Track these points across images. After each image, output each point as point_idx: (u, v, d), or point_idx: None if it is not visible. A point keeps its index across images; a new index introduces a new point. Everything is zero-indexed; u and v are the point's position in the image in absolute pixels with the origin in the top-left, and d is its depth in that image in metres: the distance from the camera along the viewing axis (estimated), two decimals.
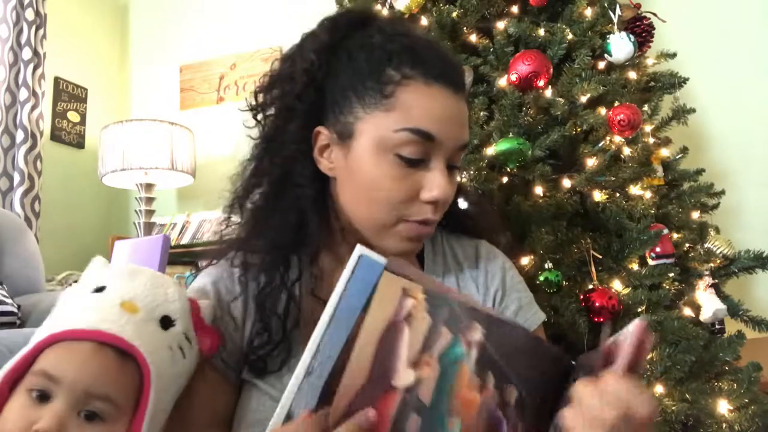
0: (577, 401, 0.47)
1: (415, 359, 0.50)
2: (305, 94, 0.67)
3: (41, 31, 2.75)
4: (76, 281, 1.80)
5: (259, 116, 0.74)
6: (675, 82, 1.74)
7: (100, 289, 0.59)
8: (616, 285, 1.37)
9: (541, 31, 1.56)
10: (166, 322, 0.59)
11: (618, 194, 1.47)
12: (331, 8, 1.99)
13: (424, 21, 1.60)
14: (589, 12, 1.61)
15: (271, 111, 0.72)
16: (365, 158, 0.64)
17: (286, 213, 0.68)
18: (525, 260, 1.35)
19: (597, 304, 1.29)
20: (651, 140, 1.66)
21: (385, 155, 0.63)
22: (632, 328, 0.48)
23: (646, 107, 1.68)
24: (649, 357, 1.31)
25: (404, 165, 0.63)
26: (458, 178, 0.72)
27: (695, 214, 1.68)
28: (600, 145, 1.48)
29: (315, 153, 0.69)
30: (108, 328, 0.54)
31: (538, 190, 1.41)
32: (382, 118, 0.63)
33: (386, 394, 0.49)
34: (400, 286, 0.52)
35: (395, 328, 0.51)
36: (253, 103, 0.73)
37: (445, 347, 0.51)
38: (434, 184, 0.64)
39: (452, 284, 0.75)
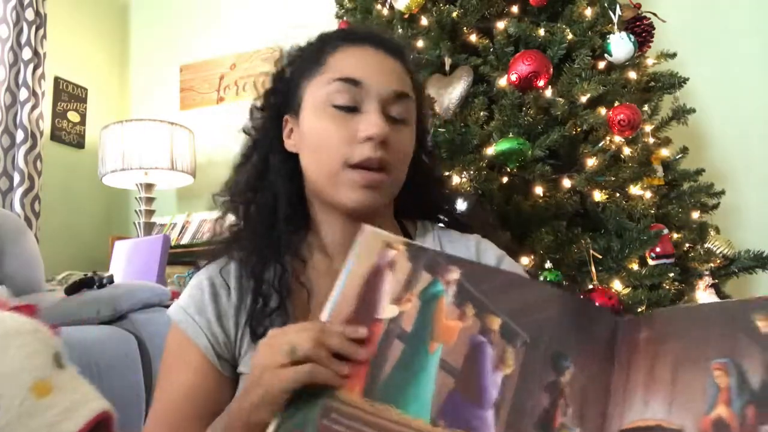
0: None
1: (398, 297, 0.57)
2: (277, 87, 0.79)
3: (41, 31, 2.75)
4: (76, 281, 1.79)
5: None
6: (675, 82, 1.74)
7: None
8: (616, 285, 1.37)
9: (541, 31, 1.56)
10: None
11: (618, 194, 1.47)
12: (331, 8, 1.99)
13: (424, 21, 1.61)
14: (589, 12, 1.61)
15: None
16: (310, 119, 0.73)
17: (265, 197, 0.76)
18: (525, 260, 1.35)
19: (597, 304, 1.29)
20: (651, 140, 1.66)
21: (323, 110, 0.71)
22: None
23: (646, 107, 1.68)
24: None
25: (340, 113, 0.70)
26: (412, 135, 0.76)
27: (695, 214, 1.68)
28: (600, 145, 1.48)
29: (284, 136, 0.77)
30: None
31: (538, 190, 1.41)
32: (317, 81, 0.73)
33: (373, 325, 0.55)
34: (382, 239, 0.59)
35: (379, 272, 0.58)
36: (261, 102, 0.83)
37: (425, 286, 0.58)
38: (368, 122, 0.69)
39: None
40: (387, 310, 0.56)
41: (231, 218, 0.78)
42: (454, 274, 0.58)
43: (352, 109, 0.70)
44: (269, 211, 0.75)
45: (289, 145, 0.77)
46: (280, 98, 0.78)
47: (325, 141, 0.70)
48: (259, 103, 0.81)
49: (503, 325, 0.55)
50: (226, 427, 0.60)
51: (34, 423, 0.36)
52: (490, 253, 0.79)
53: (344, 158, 0.69)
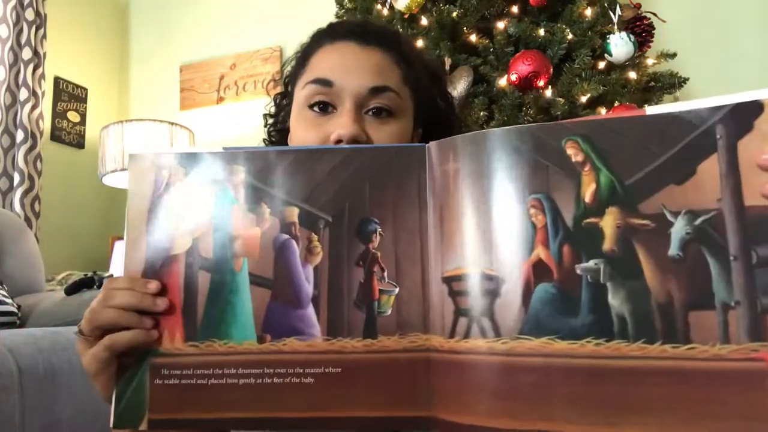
0: None
1: (189, 227, 0.52)
2: (285, 91, 0.80)
3: (41, 31, 2.75)
4: (75, 281, 1.79)
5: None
6: (675, 82, 1.74)
7: None
8: None
9: (541, 31, 1.56)
10: None
11: None
12: (331, 8, 1.99)
13: (424, 21, 1.61)
14: (589, 12, 1.61)
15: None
16: (293, 122, 0.73)
17: None
18: None
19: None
20: None
21: (302, 112, 0.71)
22: None
23: (646, 107, 1.68)
24: None
25: (316, 115, 0.70)
26: (404, 127, 0.72)
27: None
28: None
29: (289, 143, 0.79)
30: None
31: None
32: (300, 83, 0.73)
33: (170, 265, 0.52)
34: (149, 160, 0.53)
35: (159, 202, 0.53)
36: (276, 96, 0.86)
37: (213, 200, 0.53)
38: (338, 124, 0.67)
39: None
40: (180, 244, 0.52)
41: None
42: (240, 175, 0.53)
43: (327, 111, 0.69)
44: None
45: None
46: (285, 102, 0.80)
47: (301, 138, 0.70)
48: (272, 109, 0.83)
49: (301, 214, 0.52)
50: None
51: None
52: None
53: None
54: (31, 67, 2.66)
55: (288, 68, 0.80)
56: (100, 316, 0.49)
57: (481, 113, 1.48)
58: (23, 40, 2.67)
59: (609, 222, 0.44)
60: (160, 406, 0.49)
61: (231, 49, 3.08)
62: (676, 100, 1.82)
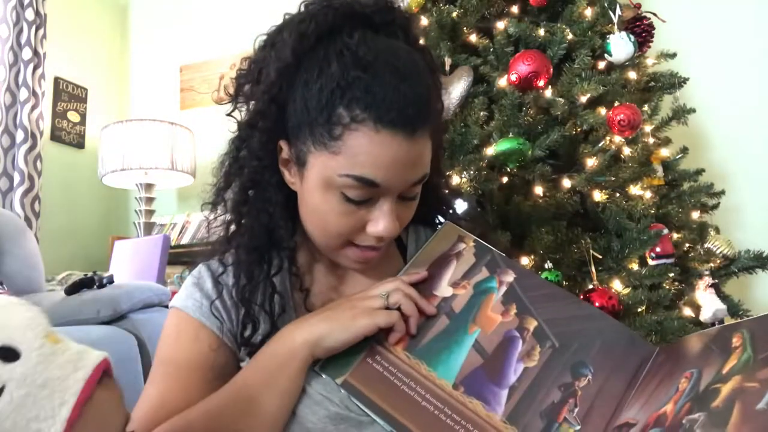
0: None
1: (455, 282, 0.68)
2: (268, 111, 0.66)
3: (41, 31, 2.75)
4: (75, 281, 1.79)
5: (235, 111, 0.73)
6: (675, 82, 1.74)
7: None
8: (616, 285, 1.37)
9: (541, 31, 1.56)
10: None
11: (618, 194, 1.47)
12: None
13: (424, 21, 1.60)
14: (589, 12, 1.61)
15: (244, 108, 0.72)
16: (314, 191, 0.64)
17: (258, 216, 0.70)
18: (525, 260, 1.35)
19: (597, 304, 1.29)
20: (651, 140, 1.66)
21: (332, 192, 0.63)
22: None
23: (646, 107, 1.68)
24: None
25: (351, 203, 0.63)
26: (415, 204, 0.70)
27: (695, 214, 1.68)
28: (600, 145, 1.48)
29: (279, 164, 0.69)
30: None
31: (538, 190, 1.41)
32: (328, 159, 0.61)
33: (429, 298, 0.66)
34: (458, 233, 0.73)
35: (446, 259, 0.70)
36: (231, 91, 0.73)
37: (481, 279, 0.69)
38: (380, 222, 0.64)
39: None
40: (443, 290, 0.68)
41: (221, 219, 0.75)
42: (509, 277, 0.68)
43: (365, 201, 0.63)
44: (264, 230, 0.70)
45: (287, 179, 0.69)
46: (274, 122, 0.66)
47: (332, 225, 0.65)
48: (244, 118, 0.70)
49: (537, 328, 0.64)
50: (264, 355, 0.64)
51: (58, 361, 0.40)
52: None
53: (346, 239, 0.66)
54: (31, 67, 2.66)
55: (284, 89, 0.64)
56: (402, 298, 0.64)
57: (481, 113, 1.48)
58: (23, 40, 2.67)
59: (729, 386, 0.49)
60: (358, 376, 0.61)
61: (231, 49, 3.08)
62: (676, 100, 1.82)
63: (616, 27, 1.61)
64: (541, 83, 1.45)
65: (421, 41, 0.73)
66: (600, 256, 1.39)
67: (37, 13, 2.72)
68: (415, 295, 0.64)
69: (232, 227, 0.73)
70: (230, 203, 0.73)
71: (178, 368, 0.67)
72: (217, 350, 0.68)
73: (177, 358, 0.67)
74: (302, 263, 0.75)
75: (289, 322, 0.68)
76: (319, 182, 0.63)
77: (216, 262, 0.74)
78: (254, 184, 0.70)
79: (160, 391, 0.65)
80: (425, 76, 0.64)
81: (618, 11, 1.63)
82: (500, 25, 1.58)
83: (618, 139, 1.50)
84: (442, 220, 0.82)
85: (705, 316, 1.47)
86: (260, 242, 0.70)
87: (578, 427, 0.57)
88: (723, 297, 1.55)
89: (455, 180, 1.36)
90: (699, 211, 1.71)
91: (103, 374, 0.42)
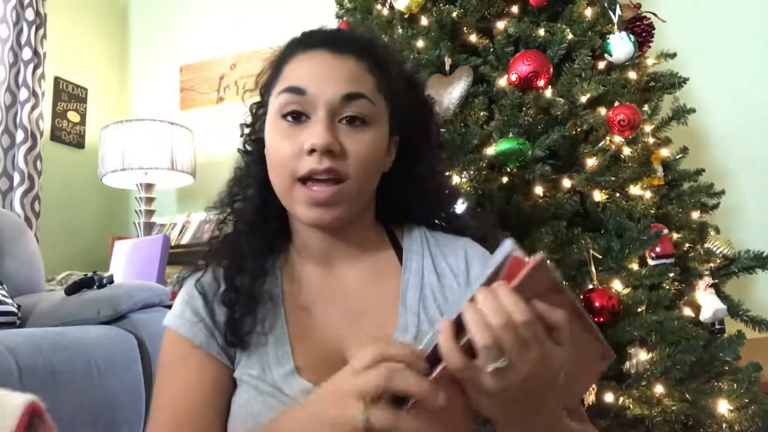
0: (475, 301, 0.50)
1: None
2: (258, 108, 0.79)
3: (41, 31, 2.75)
4: (75, 281, 1.79)
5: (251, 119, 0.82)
6: (675, 82, 1.74)
7: None
8: (616, 285, 1.37)
9: (541, 31, 1.56)
10: None
11: (618, 194, 1.47)
12: (331, 8, 1.99)
13: (424, 21, 1.60)
14: (589, 12, 1.61)
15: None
16: (267, 132, 0.72)
17: (244, 207, 0.77)
18: None
19: (597, 304, 1.29)
20: (651, 140, 1.66)
21: (276, 122, 0.70)
22: (529, 259, 0.52)
23: (646, 107, 1.68)
24: (649, 356, 1.31)
25: (290, 125, 0.69)
26: (377, 136, 0.71)
27: (695, 214, 1.68)
28: (600, 145, 1.48)
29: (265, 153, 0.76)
30: None
31: (538, 190, 1.41)
32: (275, 92, 0.71)
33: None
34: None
35: None
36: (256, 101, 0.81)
37: None
38: (311, 133, 0.67)
39: (428, 266, 0.77)
40: None
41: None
42: None
43: (301, 120, 0.69)
44: (249, 218, 0.76)
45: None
46: (261, 111, 0.78)
47: (278, 155, 0.69)
48: (248, 119, 0.81)
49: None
50: None
51: None
52: (476, 261, 0.78)
53: (293, 172, 0.68)
54: (31, 67, 2.66)
55: (264, 77, 0.77)
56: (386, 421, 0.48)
57: (481, 113, 1.48)
58: (23, 40, 2.67)
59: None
60: None
61: (231, 49, 3.08)
62: (676, 100, 1.82)
63: (616, 27, 1.61)
64: (541, 83, 1.45)
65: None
66: (600, 256, 1.39)
67: (37, 13, 2.72)
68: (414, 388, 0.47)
69: (229, 237, 0.78)
70: (235, 210, 0.79)
71: (175, 398, 0.67)
72: (210, 367, 0.69)
73: (175, 385, 0.69)
74: (293, 260, 0.77)
75: (279, 318, 0.71)
76: (270, 119, 0.72)
77: (206, 273, 0.76)
78: (248, 175, 0.78)
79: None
80: (381, 49, 0.74)
81: (618, 11, 1.63)
82: (500, 25, 1.58)
83: (618, 139, 1.50)
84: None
85: (705, 316, 1.47)
86: (251, 227, 0.75)
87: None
88: (723, 297, 1.55)
89: (455, 180, 1.36)
90: (699, 211, 1.70)
91: (33, 416, 0.40)
